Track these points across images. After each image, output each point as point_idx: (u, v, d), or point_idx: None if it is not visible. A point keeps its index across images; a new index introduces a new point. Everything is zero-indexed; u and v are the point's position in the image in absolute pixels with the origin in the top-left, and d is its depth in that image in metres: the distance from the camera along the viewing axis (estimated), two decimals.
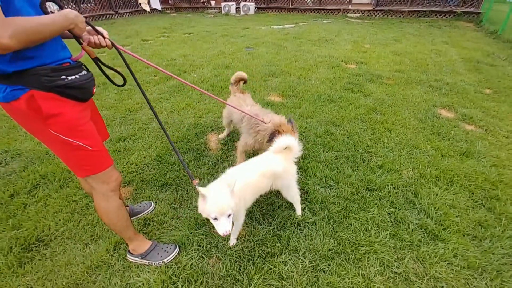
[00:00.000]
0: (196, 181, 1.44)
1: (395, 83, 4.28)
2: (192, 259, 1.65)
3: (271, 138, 1.95)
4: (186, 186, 2.23)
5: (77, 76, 1.19)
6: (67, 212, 2.03)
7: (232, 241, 1.75)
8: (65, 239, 1.84)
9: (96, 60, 1.34)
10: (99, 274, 1.62)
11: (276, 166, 1.68)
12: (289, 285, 1.53)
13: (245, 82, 2.67)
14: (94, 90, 1.35)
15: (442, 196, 2.13)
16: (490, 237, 1.83)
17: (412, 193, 2.17)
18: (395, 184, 2.23)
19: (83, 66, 1.28)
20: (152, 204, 2.06)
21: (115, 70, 1.45)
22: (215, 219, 1.29)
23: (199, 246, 1.74)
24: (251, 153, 2.38)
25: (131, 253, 1.66)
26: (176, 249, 1.71)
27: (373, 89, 4.04)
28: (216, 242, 1.76)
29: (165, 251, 1.68)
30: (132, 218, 1.95)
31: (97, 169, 1.33)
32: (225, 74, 4.59)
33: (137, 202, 2.10)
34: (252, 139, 2.14)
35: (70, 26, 1.08)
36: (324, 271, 1.60)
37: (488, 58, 5.59)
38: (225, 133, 2.87)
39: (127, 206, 1.99)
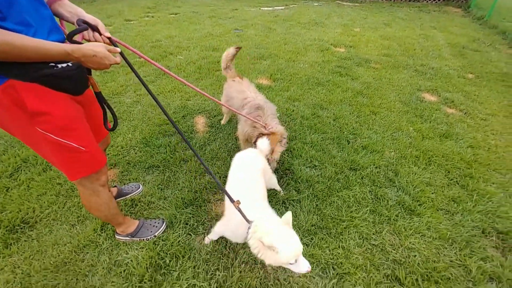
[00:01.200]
0: (238, 201, 1.27)
1: (383, 67, 4.32)
2: (179, 236, 1.70)
3: (256, 140, 1.88)
4: (173, 167, 2.24)
5: (70, 64, 1.03)
6: (52, 195, 2.01)
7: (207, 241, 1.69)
8: (51, 221, 1.84)
9: (99, 95, 1.21)
10: (87, 252, 1.64)
11: (261, 163, 1.65)
12: None
13: (228, 67, 2.43)
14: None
15: (420, 175, 2.24)
16: (461, 212, 1.96)
17: (392, 172, 2.26)
18: (377, 164, 2.32)
19: None
20: (141, 186, 2.06)
21: (112, 113, 1.30)
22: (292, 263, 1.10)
23: (186, 224, 1.78)
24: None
25: (120, 234, 1.68)
26: (164, 223, 1.75)
27: (360, 72, 4.07)
28: (203, 220, 1.81)
29: (154, 226, 1.72)
30: (119, 199, 1.96)
31: (90, 170, 1.24)
32: (212, 56, 4.48)
33: (125, 184, 2.10)
34: (247, 129, 2.06)
35: (73, 60, 0.97)
36: (306, 245, 1.68)
37: (474, 44, 5.69)
38: (225, 118, 2.77)
39: (115, 186, 1.99)
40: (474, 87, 3.85)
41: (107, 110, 1.31)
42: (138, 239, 1.68)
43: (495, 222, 1.89)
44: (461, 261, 1.66)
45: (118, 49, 1.10)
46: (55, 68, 0.99)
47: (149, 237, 1.68)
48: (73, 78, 1.08)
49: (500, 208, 1.99)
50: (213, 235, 1.60)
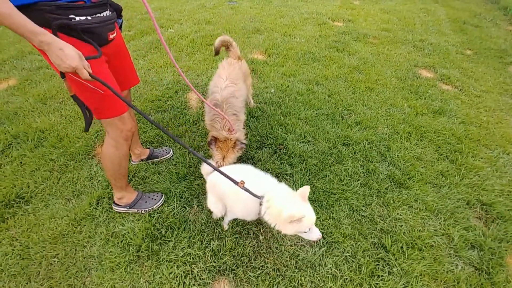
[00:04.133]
0: (243, 182, 1.23)
1: (381, 43, 4.21)
2: (174, 209, 1.73)
3: (210, 143, 1.75)
4: (166, 143, 2.23)
5: (89, 18, 1.09)
6: (45, 171, 2.01)
7: (226, 226, 1.68)
8: (46, 196, 1.85)
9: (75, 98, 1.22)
10: (84, 225, 1.68)
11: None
12: (265, 229, 1.66)
13: (227, 48, 2.21)
14: (111, 36, 1.27)
15: (411, 150, 2.28)
16: (448, 185, 2.02)
17: (384, 147, 2.29)
18: (370, 139, 2.34)
19: (107, 5, 1.19)
20: (171, 150, 2.13)
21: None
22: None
23: (181, 197, 1.81)
24: None
25: (117, 204, 1.71)
26: (163, 197, 1.78)
27: (358, 48, 3.97)
28: (198, 194, 1.84)
29: (152, 199, 1.75)
30: (150, 160, 2.06)
31: (108, 114, 1.31)
32: (205, 30, 4.29)
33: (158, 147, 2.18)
34: (207, 120, 1.88)
35: (35, 41, 0.94)
36: None
37: (475, 19, 5.54)
38: None
39: (149, 148, 2.07)
40: (472, 63, 3.81)
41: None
42: (135, 210, 1.71)
43: (480, 195, 1.97)
44: (444, 230, 1.74)
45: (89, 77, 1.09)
46: (73, 20, 1.06)
47: (146, 209, 1.71)
48: (89, 32, 1.13)
49: (486, 181, 2.06)
50: (226, 219, 1.62)
